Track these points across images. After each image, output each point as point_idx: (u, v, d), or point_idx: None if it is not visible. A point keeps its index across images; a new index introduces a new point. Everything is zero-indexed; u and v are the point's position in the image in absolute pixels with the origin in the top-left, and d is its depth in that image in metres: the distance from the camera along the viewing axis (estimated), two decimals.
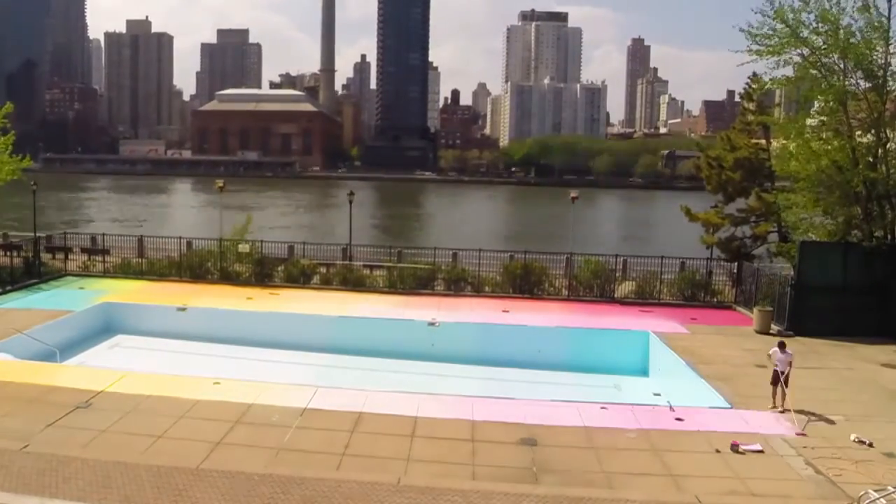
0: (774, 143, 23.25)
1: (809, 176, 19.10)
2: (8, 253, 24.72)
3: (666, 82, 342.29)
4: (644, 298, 23.29)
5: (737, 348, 18.01)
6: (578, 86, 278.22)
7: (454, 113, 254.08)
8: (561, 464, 10.92)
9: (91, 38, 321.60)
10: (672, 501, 9.89)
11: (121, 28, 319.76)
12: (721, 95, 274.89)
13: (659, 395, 15.68)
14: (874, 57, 18.52)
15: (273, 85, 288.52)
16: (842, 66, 18.91)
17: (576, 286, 23.84)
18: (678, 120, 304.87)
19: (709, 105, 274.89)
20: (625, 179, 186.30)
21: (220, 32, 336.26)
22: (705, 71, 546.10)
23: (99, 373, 14.85)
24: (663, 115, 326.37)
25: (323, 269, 25.55)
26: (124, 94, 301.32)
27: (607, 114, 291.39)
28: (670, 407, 13.54)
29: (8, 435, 11.14)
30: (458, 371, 17.65)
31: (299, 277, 24.83)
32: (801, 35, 18.71)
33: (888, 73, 18.82)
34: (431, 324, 19.70)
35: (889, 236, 19.53)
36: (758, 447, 11.55)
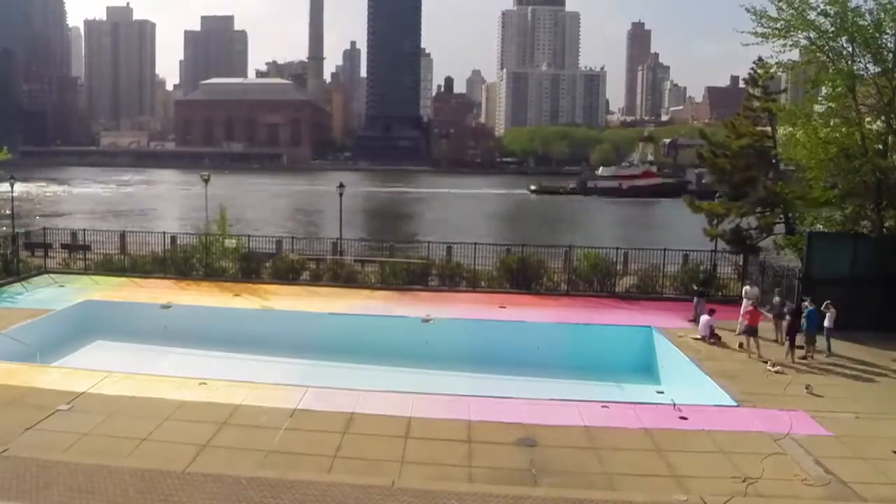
0: (781, 131, 22.63)
1: (818, 164, 18.60)
2: None
3: (668, 68, 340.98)
4: (646, 293, 22.73)
5: None
6: (577, 72, 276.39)
7: (448, 101, 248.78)
8: (561, 465, 10.69)
9: (70, 25, 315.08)
10: (676, 503, 9.68)
11: (101, 15, 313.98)
12: (725, 81, 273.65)
13: (662, 392, 15.44)
14: (884, 40, 18.00)
15: (259, 73, 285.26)
16: (850, 49, 18.36)
17: (575, 280, 23.28)
18: (681, 107, 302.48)
19: (712, 91, 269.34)
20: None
21: (204, 19, 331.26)
22: (708, 57, 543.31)
23: (80, 374, 14.44)
24: (665, 103, 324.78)
25: (312, 265, 25.03)
26: (105, 84, 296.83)
27: (607, 101, 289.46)
28: (674, 405, 13.25)
29: None
30: (454, 369, 17.25)
31: (288, 273, 24.29)
32: (807, 17, 18.20)
33: None
34: (426, 320, 19.26)
35: None
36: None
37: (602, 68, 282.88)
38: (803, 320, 16.57)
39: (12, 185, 28.82)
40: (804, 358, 16.20)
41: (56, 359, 16.68)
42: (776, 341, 17.18)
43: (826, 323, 16.51)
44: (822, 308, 16.52)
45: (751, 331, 16.53)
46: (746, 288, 18.66)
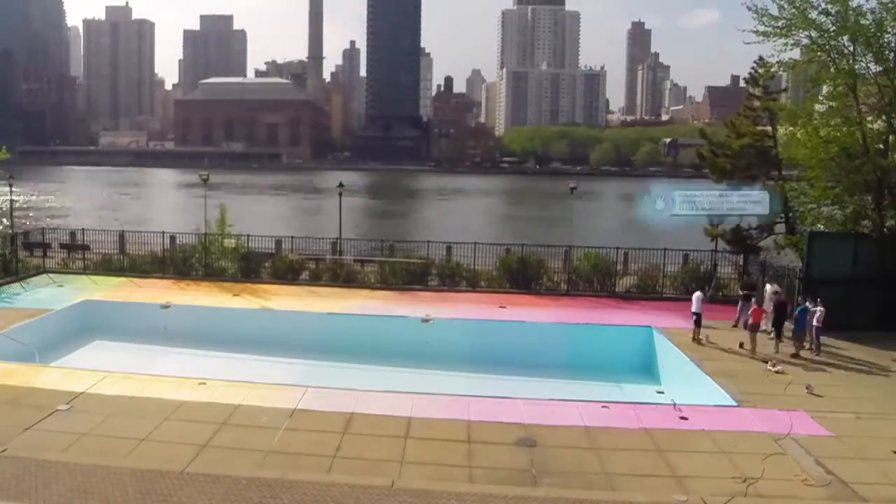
0: (781, 130, 22.61)
1: (819, 164, 18.53)
2: None
3: (668, 67, 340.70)
4: (646, 293, 22.67)
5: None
6: (577, 72, 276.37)
7: (448, 101, 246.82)
8: (561, 465, 10.66)
9: (69, 25, 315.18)
10: (676, 503, 9.65)
11: (100, 15, 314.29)
12: (725, 81, 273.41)
13: (662, 392, 15.40)
14: (885, 39, 17.96)
15: (259, 73, 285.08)
16: (851, 48, 18.33)
17: (575, 280, 23.22)
18: (681, 107, 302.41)
19: (712, 91, 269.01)
20: (625, 168, 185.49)
21: (204, 19, 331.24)
22: (709, 56, 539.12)
23: (79, 374, 14.41)
24: (665, 102, 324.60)
25: (312, 265, 24.96)
26: (104, 84, 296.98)
27: (607, 101, 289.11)
28: (674, 405, 13.23)
29: None
30: (454, 369, 17.20)
31: (287, 273, 24.21)
32: (809, 16, 18.15)
33: None
34: (425, 320, 19.20)
35: None
36: None
37: (602, 68, 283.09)
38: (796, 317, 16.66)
39: (11, 186, 28.75)
40: (795, 356, 16.19)
41: (55, 359, 16.63)
42: (766, 332, 17.23)
43: (815, 322, 16.51)
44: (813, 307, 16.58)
45: (753, 328, 16.59)
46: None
